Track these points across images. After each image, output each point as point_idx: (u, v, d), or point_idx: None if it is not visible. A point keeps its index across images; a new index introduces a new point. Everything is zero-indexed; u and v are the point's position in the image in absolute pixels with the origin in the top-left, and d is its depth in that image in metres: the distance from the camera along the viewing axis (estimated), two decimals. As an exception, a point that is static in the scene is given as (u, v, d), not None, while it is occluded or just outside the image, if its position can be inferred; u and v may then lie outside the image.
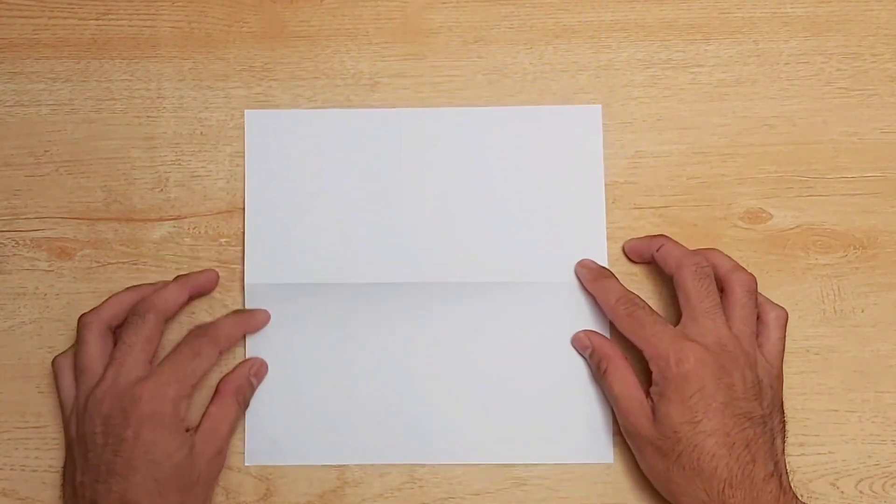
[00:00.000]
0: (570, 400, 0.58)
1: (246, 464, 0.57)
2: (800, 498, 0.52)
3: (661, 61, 0.61)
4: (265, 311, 0.58)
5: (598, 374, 0.56)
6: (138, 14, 0.60)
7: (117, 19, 0.60)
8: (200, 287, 0.57)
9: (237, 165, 0.59)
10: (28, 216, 0.59)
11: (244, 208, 0.59)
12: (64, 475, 0.55)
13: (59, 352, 0.57)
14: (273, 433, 0.57)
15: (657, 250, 0.57)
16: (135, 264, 0.58)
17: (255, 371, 0.57)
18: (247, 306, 0.58)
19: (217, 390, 0.56)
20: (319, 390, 0.57)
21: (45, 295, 0.58)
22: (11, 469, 0.57)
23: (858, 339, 0.58)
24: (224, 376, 0.56)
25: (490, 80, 0.60)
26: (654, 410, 0.53)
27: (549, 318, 0.58)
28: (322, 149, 0.59)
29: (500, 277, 0.58)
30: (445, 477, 0.57)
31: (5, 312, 0.58)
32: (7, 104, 0.60)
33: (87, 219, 0.59)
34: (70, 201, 0.59)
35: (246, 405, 0.57)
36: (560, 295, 0.58)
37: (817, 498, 0.57)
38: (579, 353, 0.58)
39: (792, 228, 0.59)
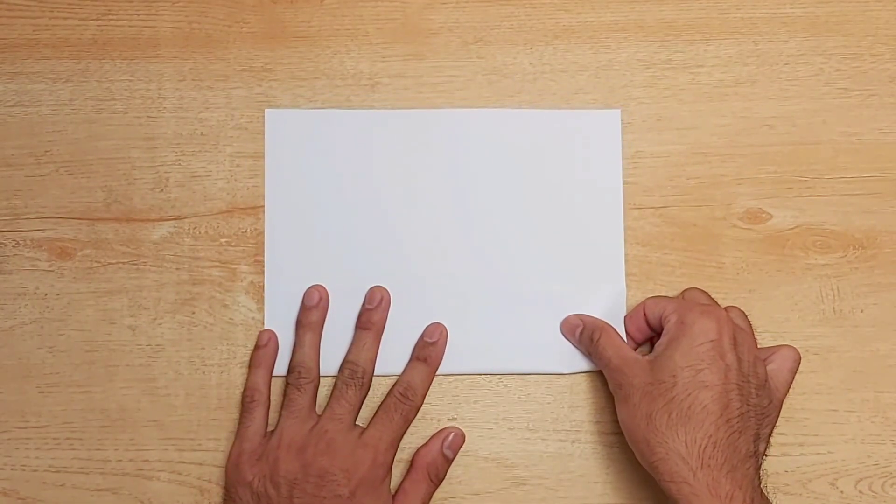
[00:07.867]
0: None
1: None
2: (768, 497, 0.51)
3: (660, 62, 0.60)
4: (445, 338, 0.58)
5: (591, 346, 0.56)
6: (139, 14, 0.60)
7: (118, 20, 0.60)
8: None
9: (237, 165, 0.59)
10: (29, 216, 0.59)
11: (263, 207, 0.59)
12: (233, 498, 0.55)
13: (60, 351, 0.57)
14: None
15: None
16: (135, 264, 0.58)
17: (450, 443, 0.56)
18: (266, 306, 0.58)
19: (411, 464, 0.56)
20: None
21: (46, 295, 0.58)
22: (12, 469, 0.57)
23: (858, 339, 0.58)
24: (418, 449, 0.56)
25: (490, 81, 0.60)
26: (652, 361, 0.52)
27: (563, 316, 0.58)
28: (344, 149, 0.59)
29: (520, 281, 0.58)
30: (445, 477, 0.57)
31: (6, 312, 0.58)
32: (7, 104, 0.59)
33: (88, 219, 0.59)
34: (70, 201, 0.59)
35: (439, 480, 0.56)
36: (575, 298, 0.58)
37: (817, 497, 0.57)
38: (567, 339, 0.58)
39: (791, 229, 0.59)
